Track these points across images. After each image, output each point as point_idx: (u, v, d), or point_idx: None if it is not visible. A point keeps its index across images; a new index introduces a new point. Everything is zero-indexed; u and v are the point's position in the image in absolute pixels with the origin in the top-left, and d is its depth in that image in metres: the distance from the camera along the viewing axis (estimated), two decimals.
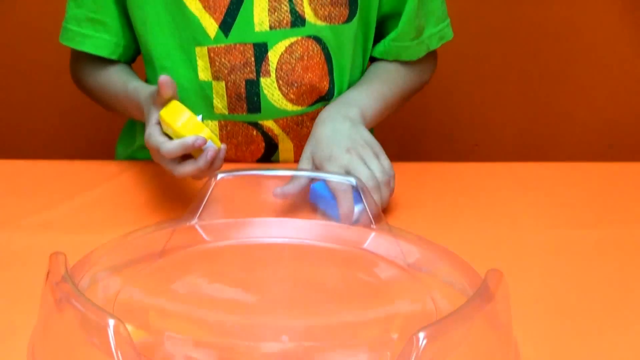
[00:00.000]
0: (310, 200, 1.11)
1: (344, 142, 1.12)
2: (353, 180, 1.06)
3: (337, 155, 1.11)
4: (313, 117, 1.25)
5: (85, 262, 0.94)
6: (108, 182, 1.21)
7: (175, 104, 1.02)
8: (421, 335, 0.76)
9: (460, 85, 1.83)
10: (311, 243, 1.05)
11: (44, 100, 1.86)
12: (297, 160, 1.28)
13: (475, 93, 1.85)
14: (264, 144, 1.26)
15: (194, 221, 1.05)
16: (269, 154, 1.27)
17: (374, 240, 1.04)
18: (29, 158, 1.28)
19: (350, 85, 1.28)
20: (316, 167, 1.13)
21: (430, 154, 1.87)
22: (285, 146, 1.27)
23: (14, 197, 1.17)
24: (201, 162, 1.00)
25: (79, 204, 1.16)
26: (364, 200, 1.05)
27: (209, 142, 1.00)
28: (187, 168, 1.02)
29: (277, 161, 1.28)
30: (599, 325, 0.94)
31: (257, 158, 1.28)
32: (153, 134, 1.03)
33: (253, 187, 1.09)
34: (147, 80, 1.29)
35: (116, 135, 1.43)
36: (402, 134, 1.77)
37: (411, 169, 1.26)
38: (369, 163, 1.10)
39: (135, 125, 1.36)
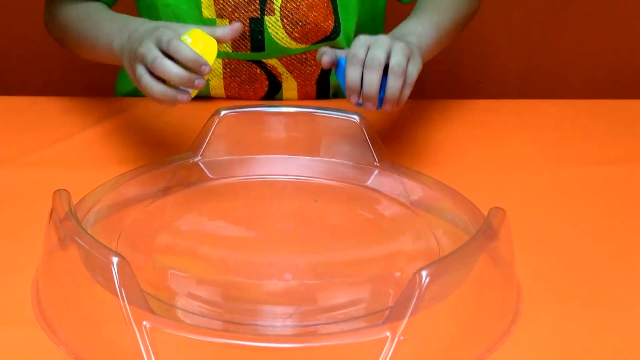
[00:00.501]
0: (337, 77, 1.03)
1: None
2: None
3: (367, 35, 1.02)
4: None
5: (89, 199, 0.95)
6: (111, 118, 1.20)
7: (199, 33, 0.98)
8: (424, 273, 0.76)
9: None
10: (314, 180, 1.05)
11: (42, 38, 1.84)
12: (301, 99, 1.27)
13: (480, 30, 1.83)
14: (267, 83, 1.25)
15: (197, 158, 1.05)
16: (272, 93, 1.27)
17: (377, 178, 1.04)
18: (29, 94, 1.27)
19: (358, 24, 1.26)
20: None
21: (434, 91, 1.85)
22: (289, 85, 1.26)
23: (16, 134, 1.17)
24: (182, 96, 0.94)
25: (82, 140, 1.16)
26: (367, 137, 1.05)
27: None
28: (165, 92, 0.94)
29: (281, 98, 1.27)
30: (603, 264, 0.94)
31: (261, 97, 1.27)
32: (178, 42, 0.94)
33: (256, 124, 1.09)
34: None
35: (114, 72, 1.42)
36: None
37: (416, 106, 1.25)
38: (394, 52, 0.99)
39: None
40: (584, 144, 1.18)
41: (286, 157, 1.07)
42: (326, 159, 1.07)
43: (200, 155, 1.04)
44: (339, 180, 1.05)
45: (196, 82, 0.93)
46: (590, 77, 1.83)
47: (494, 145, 1.17)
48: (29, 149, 1.12)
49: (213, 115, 1.05)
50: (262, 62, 1.24)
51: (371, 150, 1.05)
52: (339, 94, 1.29)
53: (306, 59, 1.24)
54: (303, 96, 1.27)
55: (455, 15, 1.23)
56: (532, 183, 1.08)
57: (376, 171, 1.04)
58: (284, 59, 1.24)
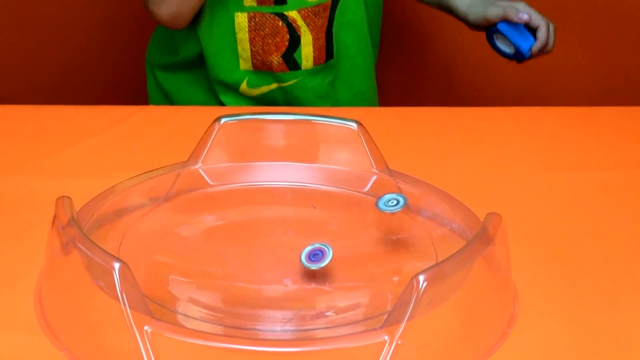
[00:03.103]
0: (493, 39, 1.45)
1: None
2: None
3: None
4: (325, 8, 1.34)
5: (91, 206, 0.94)
6: (113, 127, 1.20)
7: None
8: (421, 277, 0.75)
9: (461, 32, 1.81)
10: (313, 187, 1.04)
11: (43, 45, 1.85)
12: (315, 54, 1.37)
13: (474, 40, 1.83)
14: (288, 36, 1.34)
15: (198, 165, 1.04)
16: (292, 49, 1.35)
17: (374, 184, 1.03)
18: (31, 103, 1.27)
19: None
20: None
21: (431, 99, 1.85)
22: (306, 39, 1.34)
23: (19, 142, 1.16)
24: None
25: (85, 148, 1.15)
26: (364, 144, 1.04)
27: None
28: None
29: (299, 57, 1.35)
30: (598, 268, 0.93)
31: (282, 52, 1.35)
32: None
33: (256, 132, 1.09)
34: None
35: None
36: (403, 80, 1.76)
37: (412, 114, 1.25)
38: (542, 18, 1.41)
39: (171, 34, 1.42)
40: (578, 149, 1.17)
41: (285, 164, 1.06)
42: (324, 166, 1.06)
43: (201, 162, 1.04)
44: (337, 186, 1.04)
45: None
46: (583, 84, 1.83)
47: (490, 152, 1.16)
48: (31, 157, 1.12)
49: (213, 122, 1.05)
50: (284, 15, 1.33)
51: (369, 157, 1.04)
52: (340, 52, 1.39)
53: (318, 11, 1.34)
54: (317, 51, 1.36)
55: None
56: (528, 188, 1.08)
57: (374, 177, 1.04)
58: (302, 11, 1.33)
